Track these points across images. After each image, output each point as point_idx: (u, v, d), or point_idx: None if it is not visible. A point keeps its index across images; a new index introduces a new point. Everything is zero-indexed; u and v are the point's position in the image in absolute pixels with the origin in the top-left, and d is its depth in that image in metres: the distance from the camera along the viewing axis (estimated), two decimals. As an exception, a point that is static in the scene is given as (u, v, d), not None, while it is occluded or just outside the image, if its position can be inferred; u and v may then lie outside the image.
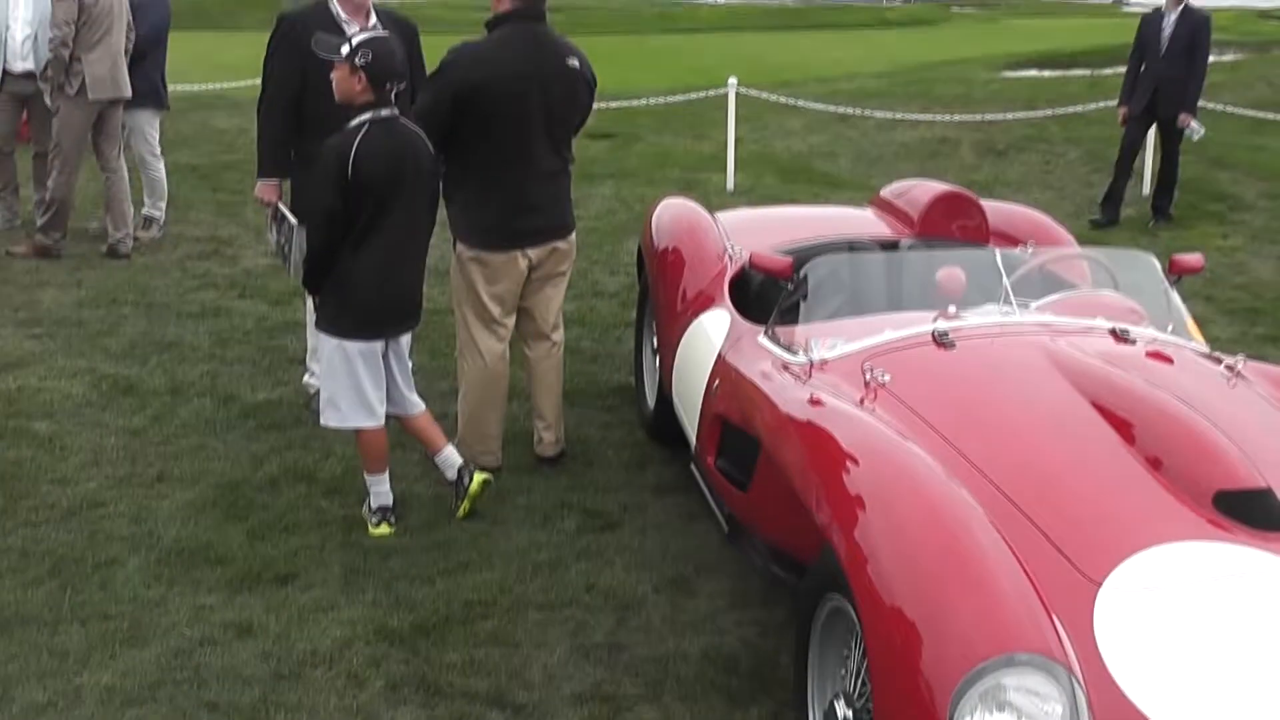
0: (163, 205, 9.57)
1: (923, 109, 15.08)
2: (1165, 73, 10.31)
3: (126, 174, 9.00)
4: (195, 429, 5.87)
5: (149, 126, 9.42)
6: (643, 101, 14.13)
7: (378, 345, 4.78)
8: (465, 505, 4.95)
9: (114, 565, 4.60)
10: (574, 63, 5.19)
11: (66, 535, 4.82)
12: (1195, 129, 10.34)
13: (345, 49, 4.62)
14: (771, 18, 37.69)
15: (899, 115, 14.40)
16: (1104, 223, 10.52)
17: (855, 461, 3.42)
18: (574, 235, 5.49)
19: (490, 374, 5.36)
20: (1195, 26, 10.33)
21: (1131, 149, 10.71)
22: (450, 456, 4.99)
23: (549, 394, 5.56)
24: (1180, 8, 10.33)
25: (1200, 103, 10.57)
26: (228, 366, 6.70)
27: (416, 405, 5.03)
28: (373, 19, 5.64)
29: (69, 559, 4.64)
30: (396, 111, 4.70)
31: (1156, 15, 10.57)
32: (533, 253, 5.26)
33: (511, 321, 5.42)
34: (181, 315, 7.58)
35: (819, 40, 28.75)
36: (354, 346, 4.73)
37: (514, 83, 5.00)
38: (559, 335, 5.59)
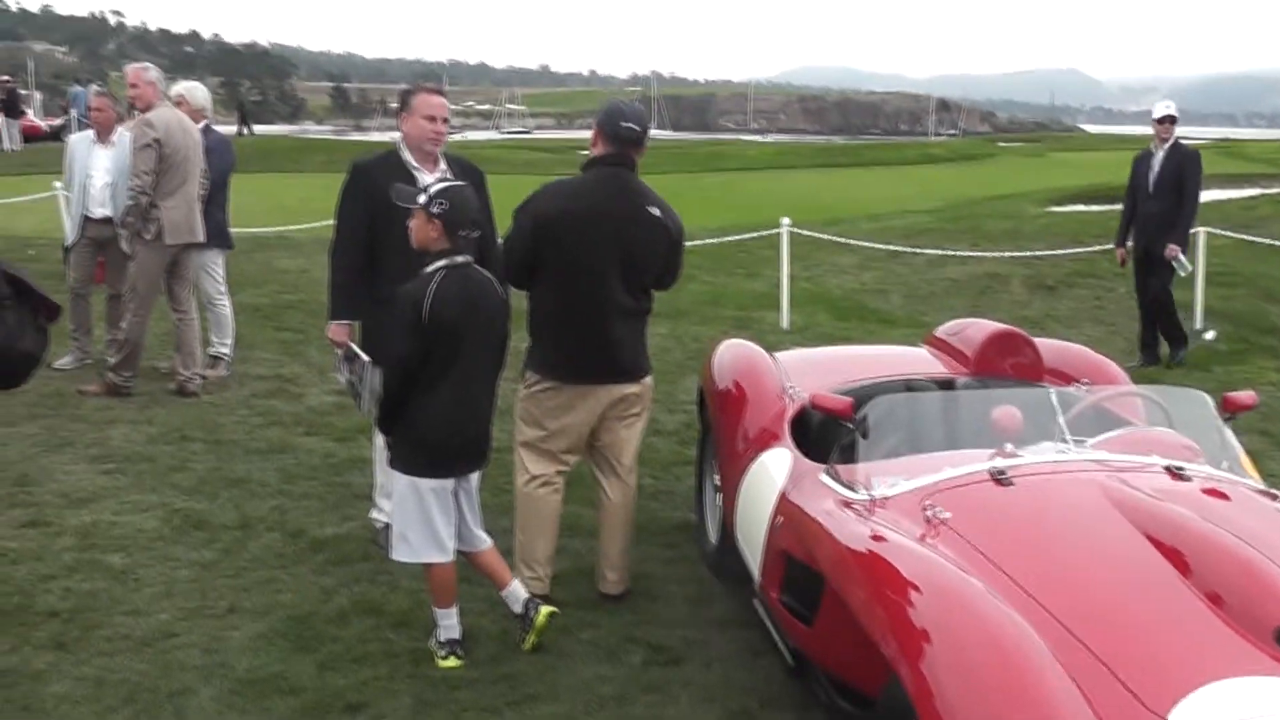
0: (230, 343, 9.82)
1: (972, 245, 15.27)
2: (1154, 209, 10.42)
3: (196, 315, 9.27)
4: (265, 563, 5.98)
5: (215, 266, 9.71)
6: (697, 242, 14.40)
7: (448, 483, 4.92)
8: (532, 638, 5.03)
9: (187, 694, 4.69)
10: (655, 211, 5.34)
11: (140, 665, 4.92)
12: (1183, 263, 10.39)
13: (422, 198, 4.83)
14: (820, 155, 38.29)
15: (949, 251, 14.58)
16: (1146, 366, 10.52)
17: (919, 595, 3.50)
18: (649, 379, 5.61)
19: (542, 503, 5.46)
20: (1182, 162, 10.44)
21: (1145, 291, 10.74)
22: (516, 590, 5.08)
23: (618, 535, 5.63)
24: (1167, 145, 10.47)
25: (1244, 235, 10.66)
26: (296, 502, 6.83)
27: (484, 541, 5.14)
28: (442, 165, 5.87)
29: (143, 688, 4.73)
30: (470, 258, 4.88)
31: (1146, 154, 10.72)
32: (602, 392, 5.39)
33: (572, 458, 5.53)
34: (249, 451, 7.75)
35: (868, 177, 29.20)
36: (426, 484, 4.87)
37: (590, 219, 5.18)
38: (633, 479, 5.67)
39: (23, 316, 4.32)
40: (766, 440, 5.36)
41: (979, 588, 3.49)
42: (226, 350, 9.79)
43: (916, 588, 3.53)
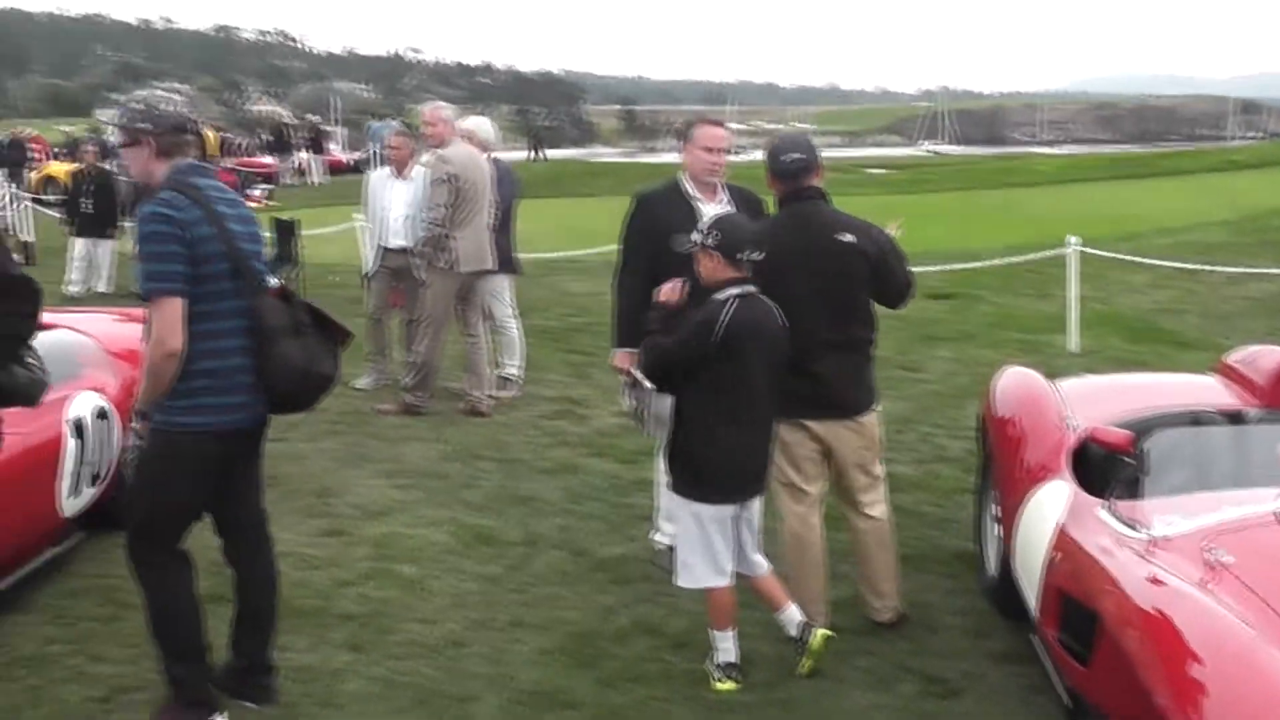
0: (519, 365, 10.13)
1: (1276, 261, 14.41)
2: None
3: (486, 338, 9.59)
4: (549, 580, 6.14)
5: (504, 291, 10.04)
6: (983, 263, 14.10)
7: (729, 510, 4.95)
8: (808, 662, 5.00)
9: (474, 701, 4.87)
10: (848, 237, 5.25)
11: (430, 670, 5.13)
12: None
13: (696, 237, 4.91)
14: (1112, 167, 36.78)
15: (1250, 269, 13.83)
16: None
17: (1196, 647, 3.36)
18: (871, 416, 5.48)
19: (798, 538, 5.41)
20: None
21: None
22: (792, 614, 5.07)
23: (875, 563, 5.54)
24: None
25: None
26: (580, 521, 6.98)
27: (762, 565, 5.14)
28: (721, 194, 5.91)
29: (432, 692, 4.94)
30: (755, 289, 4.90)
31: None
32: (816, 426, 5.31)
33: (814, 488, 5.43)
34: (536, 471, 7.96)
35: (1161, 188, 27.92)
36: (708, 511, 4.91)
37: (779, 261, 5.08)
38: (878, 510, 5.55)
39: (320, 342, 4.58)
40: (1045, 472, 5.19)
41: (1260, 641, 3.30)
42: (516, 372, 10.11)
43: (1193, 638, 3.38)
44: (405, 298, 10.09)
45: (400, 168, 9.96)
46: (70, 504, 5.96)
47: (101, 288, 15.82)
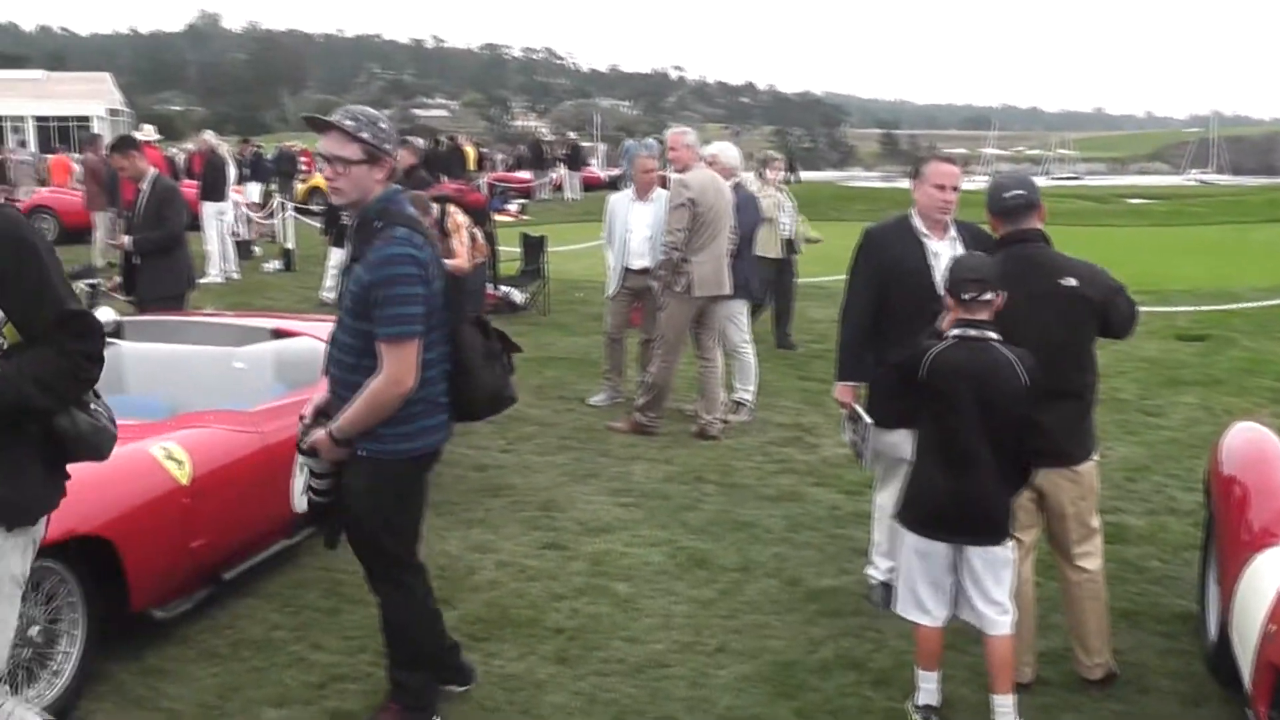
0: (752, 390, 10.17)
1: None
2: None
3: (720, 362, 9.67)
4: (759, 607, 6.15)
5: (740, 316, 10.10)
6: (1240, 305, 13.47)
7: (938, 546, 4.84)
8: None
9: (671, 723, 4.95)
10: (1071, 282, 5.08)
11: (631, 689, 5.22)
12: None
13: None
14: None
15: None
16: None
17: None
18: (1090, 465, 5.25)
19: (1018, 595, 5.21)
20: None
21: None
22: (1003, 704, 4.82)
23: (1081, 620, 5.32)
24: None
25: None
26: (796, 550, 6.97)
27: (995, 625, 4.86)
28: (951, 232, 5.85)
29: (631, 710, 5.02)
30: (990, 335, 4.75)
31: None
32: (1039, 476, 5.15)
33: (1027, 536, 5.24)
34: (759, 497, 7.98)
35: None
36: (911, 539, 4.88)
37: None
38: (1091, 563, 5.32)
39: (505, 366, 4.79)
40: (1268, 538, 4.91)
41: None
42: (749, 396, 10.15)
43: None
44: (644, 317, 10.28)
45: (644, 191, 10.15)
46: (302, 500, 6.29)
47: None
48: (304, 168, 34.43)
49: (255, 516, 6.07)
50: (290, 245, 20.27)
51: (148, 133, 22.03)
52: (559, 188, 38.85)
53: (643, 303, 10.25)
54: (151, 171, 9.61)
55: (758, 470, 8.62)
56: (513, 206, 31.03)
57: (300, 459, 4.75)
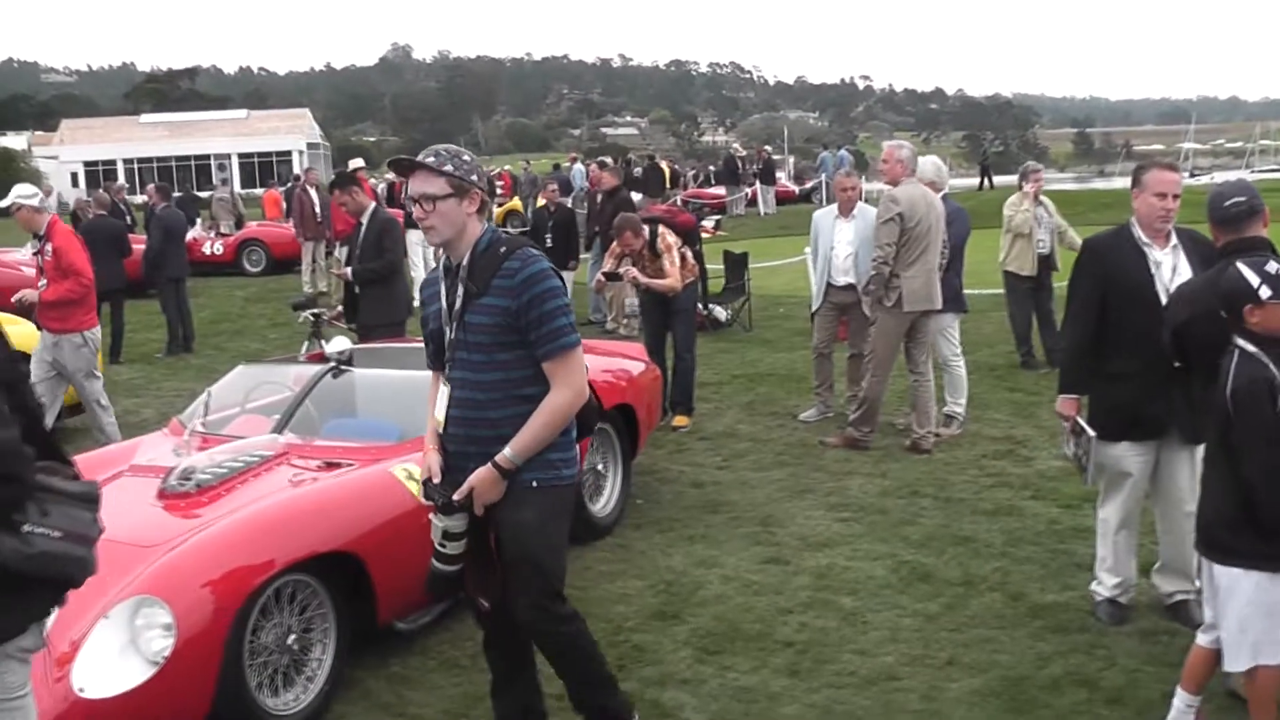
0: (963, 403, 10.12)
1: None
2: None
3: (932, 376, 9.68)
4: (984, 621, 6.16)
5: (951, 328, 10.08)
6: None
7: None
8: None
9: (905, 738, 5.02)
10: None
11: (864, 701, 5.30)
12: None
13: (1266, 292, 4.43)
14: None
15: None
16: None
17: None
18: None
19: None
20: None
21: None
22: None
23: None
24: None
25: None
26: (1018, 565, 6.94)
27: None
28: (1173, 240, 5.79)
29: (866, 724, 5.13)
30: (1254, 349, 4.46)
31: None
32: None
33: None
34: (976, 511, 7.96)
35: None
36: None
37: (1205, 322, 4.83)
38: None
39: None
40: None
41: None
42: (960, 410, 10.11)
43: None
44: (851, 332, 10.35)
45: (846, 209, 10.24)
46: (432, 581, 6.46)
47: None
48: (501, 191, 35.14)
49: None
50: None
51: (357, 164, 22.86)
52: (753, 202, 38.90)
53: (849, 317, 10.33)
54: (371, 205, 9.94)
55: (973, 484, 8.60)
56: (708, 223, 31.15)
57: (435, 526, 4.48)
